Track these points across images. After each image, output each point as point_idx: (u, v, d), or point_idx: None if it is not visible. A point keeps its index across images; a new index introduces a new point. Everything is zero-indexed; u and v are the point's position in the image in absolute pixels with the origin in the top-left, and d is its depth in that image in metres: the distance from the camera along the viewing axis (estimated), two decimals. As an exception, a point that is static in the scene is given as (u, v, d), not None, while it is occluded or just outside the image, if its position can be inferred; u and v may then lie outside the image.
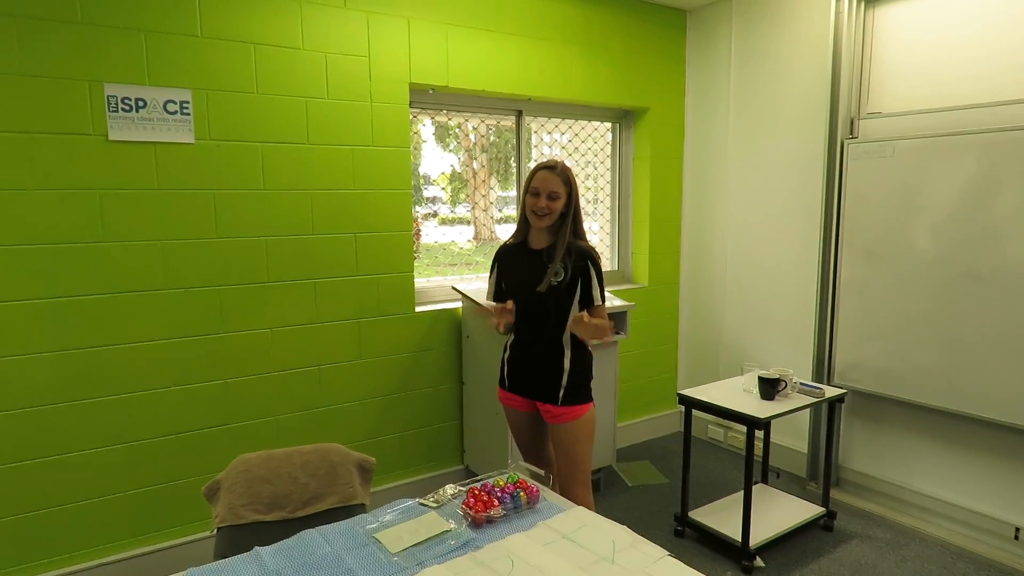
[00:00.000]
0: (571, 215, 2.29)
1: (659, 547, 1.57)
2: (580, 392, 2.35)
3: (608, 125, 4.18)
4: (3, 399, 2.40)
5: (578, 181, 2.33)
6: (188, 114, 2.63)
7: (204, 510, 2.80)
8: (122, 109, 2.50)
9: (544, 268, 2.28)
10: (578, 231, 2.34)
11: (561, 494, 2.18)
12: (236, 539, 1.94)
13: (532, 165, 3.99)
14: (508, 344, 2.46)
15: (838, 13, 3.19)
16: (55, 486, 2.52)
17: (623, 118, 4.16)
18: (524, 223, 2.37)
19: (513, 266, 2.40)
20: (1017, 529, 2.81)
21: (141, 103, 2.54)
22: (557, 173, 2.26)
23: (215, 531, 2.03)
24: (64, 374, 2.49)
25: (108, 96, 2.47)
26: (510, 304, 2.31)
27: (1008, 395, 2.73)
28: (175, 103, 2.60)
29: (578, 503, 1.99)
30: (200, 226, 2.70)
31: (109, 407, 2.59)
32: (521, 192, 2.34)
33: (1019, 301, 2.67)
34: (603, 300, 2.33)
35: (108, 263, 2.53)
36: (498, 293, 2.47)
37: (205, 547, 2.70)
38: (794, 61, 3.49)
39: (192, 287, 2.70)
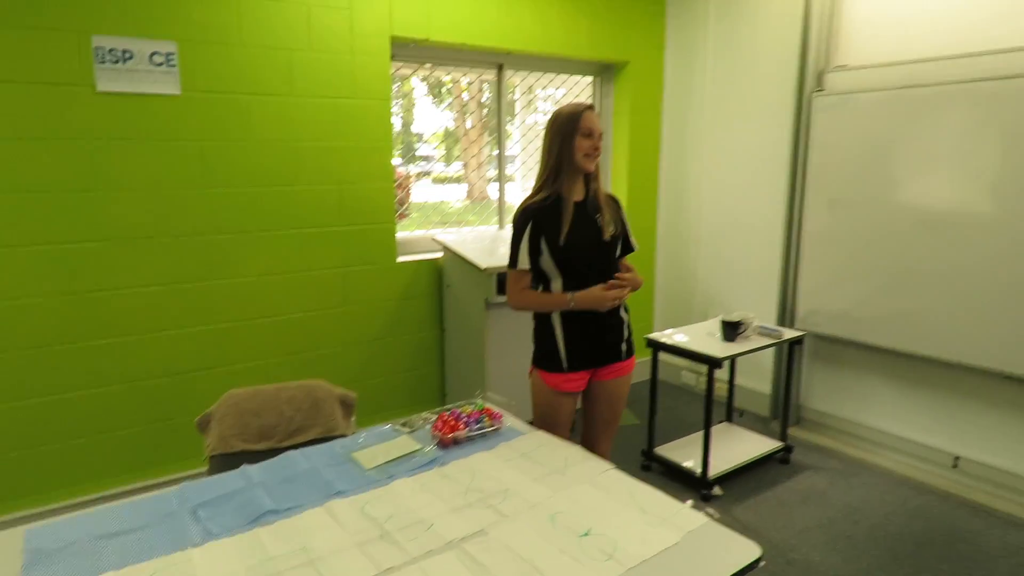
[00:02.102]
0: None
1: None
2: (632, 340, 2.30)
3: (589, 79, 4.25)
4: (8, 340, 2.55)
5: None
6: (174, 66, 2.71)
7: (196, 447, 2.97)
8: (109, 60, 2.59)
9: (591, 219, 2.13)
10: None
11: (591, 450, 1.98)
12: (226, 466, 2.09)
13: (514, 122, 4.09)
14: (557, 321, 2.16)
15: (809, -33, 3.25)
16: (57, 423, 2.69)
17: (603, 72, 4.23)
18: (564, 172, 2.11)
19: (564, 223, 2.09)
20: (956, 457, 3.04)
21: (128, 55, 2.62)
22: (597, 112, 2.19)
23: (207, 459, 2.20)
24: (64, 317, 2.64)
25: (96, 47, 2.55)
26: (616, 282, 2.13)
27: (954, 335, 2.91)
28: (161, 55, 2.68)
29: (606, 456, 2.07)
30: (189, 176, 2.81)
31: (106, 349, 2.74)
32: (557, 138, 2.09)
33: (969, 248, 2.82)
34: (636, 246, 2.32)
35: (102, 211, 2.65)
36: (534, 255, 2.11)
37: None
38: (768, 14, 3.56)
39: (182, 236, 2.83)
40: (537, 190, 2.16)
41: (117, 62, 2.61)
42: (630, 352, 2.28)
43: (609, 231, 2.13)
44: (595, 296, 2.09)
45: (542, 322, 2.21)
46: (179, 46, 2.71)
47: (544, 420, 2.21)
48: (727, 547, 1.43)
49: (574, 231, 2.09)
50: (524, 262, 2.12)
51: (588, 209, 2.14)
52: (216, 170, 2.86)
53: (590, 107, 2.12)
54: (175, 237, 2.82)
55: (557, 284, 2.13)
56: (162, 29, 2.66)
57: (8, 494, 2.64)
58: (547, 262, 2.11)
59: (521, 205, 2.16)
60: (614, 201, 2.25)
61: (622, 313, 2.24)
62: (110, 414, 2.79)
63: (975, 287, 2.82)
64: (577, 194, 2.15)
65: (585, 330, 2.15)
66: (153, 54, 2.67)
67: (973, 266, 2.82)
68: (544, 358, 2.20)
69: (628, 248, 2.29)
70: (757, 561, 1.39)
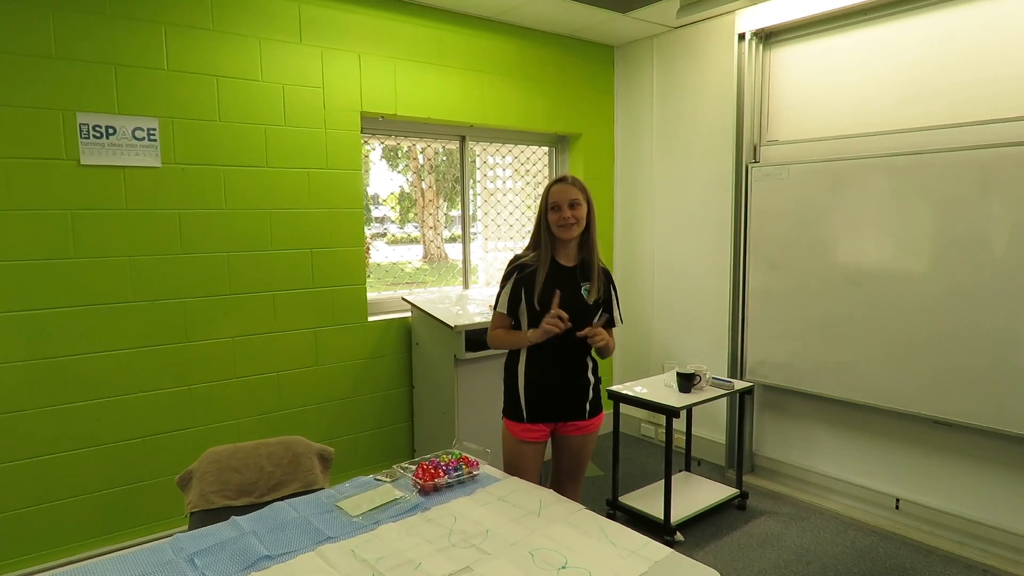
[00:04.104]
0: (594, 225, 2.31)
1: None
2: (599, 400, 2.42)
3: (545, 149, 4.56)
4: (-21, 405, 2.57)
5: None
6: (155, 140, 2.86)
7: (169, 509, 2.99)
8: (93, 136, 2.72)
9: (577, 284, 2.30)
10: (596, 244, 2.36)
11: (562, 493, 2.15)
12: (207, 523, 2.15)
13: (477, 187, 4.33)
14: (521, 371, 2.34)
15: (740, 53, 3.65)
16: (26, 487, 2.68)
17: (558, 143, 4.54)
18: (544, 241, 2.29)
19: (546, 280, 2.26)
20: (897, 500, 3.25)
21: (111, 130, 2.76)
22: (570, 183, 2.26)
23: (188, 516, 2.24)
24: (36, 382, 2.67)
25: (80, 124, 2.69)
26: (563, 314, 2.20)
27: (884, 383, 3.17)
28: (143, 130, 2.83)
29: (575, 498, 2.24)
30: (166, 243, 2.91)
31: (79, 412, 2.76)
32: (540, 208, 2.31)
33: (892, 304, 3.12)
34: (622, 321, 2.45)
35: (79, 278, 2.73)
36: (514, 303, 2.31)
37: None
38: (706, 94, 3.94)
39: (158, 300, 2.91)
40: (528, 249, 2.38)
41: (100, 137, 2.74)
42: (595, 412, 2.40)
43: (591, 298, 2.28)
44: (540, 330, 2.19)
45: (509, 373, 2.39)
46: (160, 122, 2.86)
47: (510, 466, 2.36)
48: (690, 574, 1.57)
49: (550, 292, 2.24)
50: (503, 306, 2.33)
51: (576, 274, 2.31)
52: (193, 237, 2.98)
53: (560, 179, 2.29)
54: (151, 301, 2.90)
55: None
56: (145, 107, 2.81)
57: (-31, 564, 2.60)
58: (523, 312, 2.30)
59: (514, 257, 2.38)
60: (604, 273, 2.37)
61: (589, 375, 2.37)
62: (81, 477, 2.79)
63: (899, 338, 3.10)
64: (568, 259, 2.32)
65: (545, 385, 2.31)
66: (136, 130, 2.82)
67: (896, 319, 3.11)
68: (509, 407, 2.38)
69: (608, 322, 2.37)
70: (717, 585, 1.54)
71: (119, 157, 2.78)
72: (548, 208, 2.27)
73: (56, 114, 2.63)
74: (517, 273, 2.31)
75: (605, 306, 2.36)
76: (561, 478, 2.46)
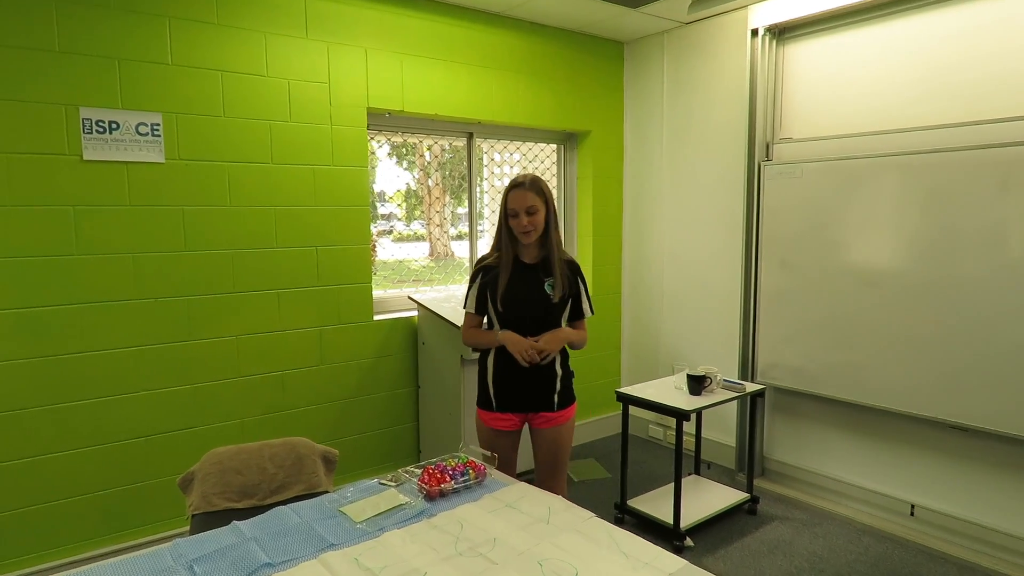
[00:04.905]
0: (553, 224, 2.36)
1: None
2: (570, 392, 2.47)
3: (553, 146, 4.50)
4: (-21, 404, 2.53)
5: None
6: (159, 136, 2.82)
7: (171, 509, 2.95)
8: (96, 131, 2.68)
9: (541, 281, 2.36)
10: (557, 239, 2.40)
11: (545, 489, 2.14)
12: (208, 525, 2.11)
13: (484, 184, 4.28)
14: (490, 363, 2.44)
15: (753, 49, 3.58)
16: (27, 487, 2.64)
17: (567, 140, 4.48)
18: (505, 242, 2.36)
19: (509, 282, 2.35)
20: (912, 506, 3.18)
21: (115, 125, 2.72)
22: (527, 188, 2.29)
23: (189, 518, 2.20)
24: (38, 380, 2.63)
25: (83, 119, 2.64)
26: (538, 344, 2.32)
27: (902, 387, 3.10)
28: (147, 125, 2.79)
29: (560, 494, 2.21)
30: (169, 240, 2.87)
31: (81, 411, 2.73)
32: (500, 211, 2.36)
33: (907, 305, 3.05)
34: (592, 311, 2.49)
35: (82, 275, 2.69)
36: (481, 306, 2.42)
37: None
38: (718, 90, 3.87)
39: (161, 297, 2.87)
40: (492, 249, 2.46)
41: (104, 132, 2.70)
42: (564, 403, 2.46)
43: (557, 295, 2.35)
44: (515, 340, 2.31)
45: (480, 364, 2.50)
46: (164, 117, 2.82)
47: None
48: (705, 586, 1.52)
49: (514, 290, 2.35)
50: (471, 306, 2.45)
51: (539, 272, 2.38)
52: (196, 233, 2.93)
53: (518, 184, 2.31)
54: (154, 299, 2.86)
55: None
56: (148, 102, 2.77)
57: (-30, 564, 2.57)
58: (491, 311, 2.42)
59: (479, 259, 2.48)
60: (569, 266, 2.43)
61: (556, 367, 2.43)
62: (83, 477, 2.76)
63: (914, 339, 3.03)
64: (531, 257, 2.40)
65: (512, 375, 2.39)
66: (139, 125, 2.77)
67: (911, 320, 3.04)
68: (481, 397, 2.49)
69: (578, 313, 2.45)
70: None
71: (122, 152, 2.74)
72: (507, 214, 2.32)
73: (59, 109, 2.59)
74: (482, 275, 2.41)
75: (574, 299, 2.43)
76: (541, 474, 2.51)
